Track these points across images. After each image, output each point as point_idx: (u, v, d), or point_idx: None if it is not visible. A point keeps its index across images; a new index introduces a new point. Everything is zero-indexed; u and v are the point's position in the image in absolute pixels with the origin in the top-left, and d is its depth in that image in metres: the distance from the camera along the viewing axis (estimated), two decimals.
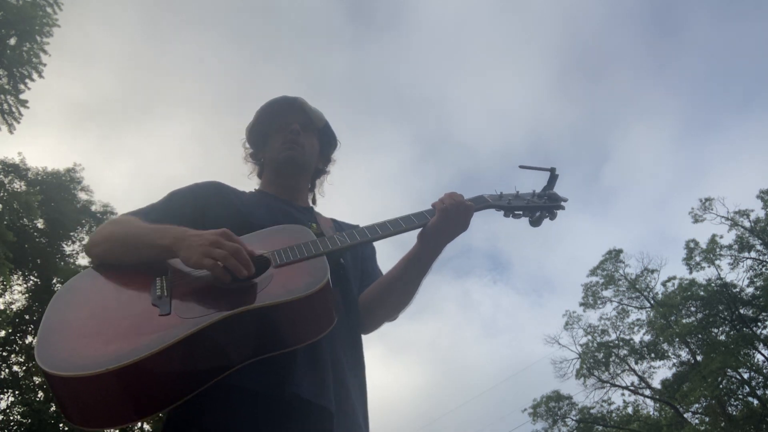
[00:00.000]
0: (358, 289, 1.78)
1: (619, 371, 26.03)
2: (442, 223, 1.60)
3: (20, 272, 17.88)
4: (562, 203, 1.77)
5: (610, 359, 25.85)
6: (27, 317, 18.02)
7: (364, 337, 1.75)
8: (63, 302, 1.35)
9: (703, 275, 24.48)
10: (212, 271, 1.29)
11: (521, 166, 1.77)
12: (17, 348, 17.90)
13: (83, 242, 20.22)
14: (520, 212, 1.76)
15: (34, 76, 9.70)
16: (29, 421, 16.04)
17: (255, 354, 1.28)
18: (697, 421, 23.70)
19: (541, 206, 1.76)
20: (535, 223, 1.77)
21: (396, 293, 1.74)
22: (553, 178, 1.77)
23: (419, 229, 1.65)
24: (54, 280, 18.83)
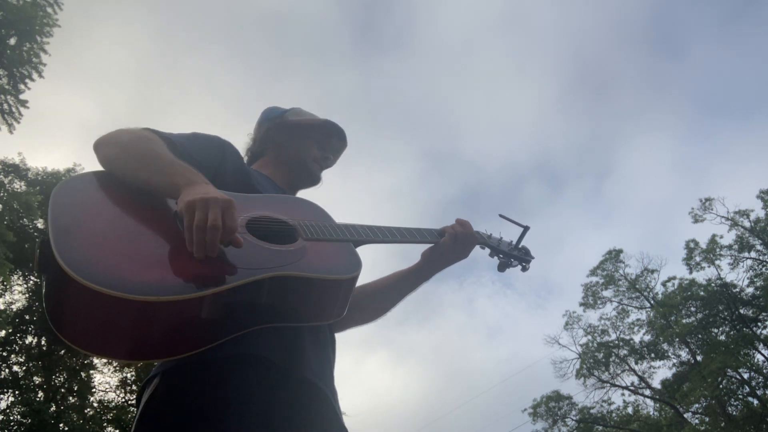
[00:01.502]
0: None
1: (619, 371, 26.07)
2: (450, 248, 1.74)
3: (20, 272, 17.87)
4: (531, 260, 1.98)
5: (610, 359, 25.86)
6: (27, 317, 18.01)
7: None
8: (73, 203, 1.22)
9: (703, 275, 24.53)
10: (186, 229, 1.16)
11: (501, 216, 1.98)
12: (17, 348, 17.90)
13: None
14: (503, 257, 1.95)
15: (34, 76, 9.69)
16: (29, 421, 16.03)
17: (275, 319, 1.26)
18: (697, 421, 23.72)
19: (518, 257, 1.96)
20: (502, 267, 1.95)
21: (380, 302, 1.80)
22: (525, 233, 1.97)
23: (423, 245, 1.77)
24: None
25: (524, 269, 1.96)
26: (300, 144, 1.84)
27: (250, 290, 1.18)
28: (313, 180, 1.87)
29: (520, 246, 1.97)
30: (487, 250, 1.93)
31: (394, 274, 1.81)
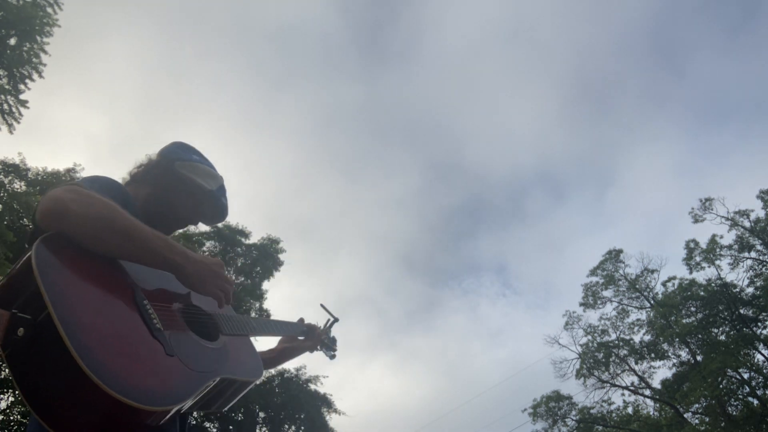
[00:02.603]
0: None
1: (619, 371, 26.06)
2: (308, 347, 2.31)
3: None
4: (336, 353, 2.48)
5: (610, 359, 25.85)
6: None
7: None
8: (59, 281, 1.17)
9: (703, 275, 24.53)
10: (218, 300, 1.40)
11: (321, 305, 2.44)
12: None
13: None
14: (322, 349, 2.43)
15: (34, 76, 9.70)
16: (29, 421, 16.03)
17: (193, 408, 1.37)
18: (697, 421, 23.70)
19: (330, 348, 2.46)
20: (314, 350, 2.39)
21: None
22: (332, 324, 2.46)
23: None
24: None
25: (332, 358, 2.44)
26: (177, 196, 1.76)
27: (201, 392, 1.32)
28: (176, 228, 1.84)
29: (331, 336, 2.46)
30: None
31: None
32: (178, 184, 1.75)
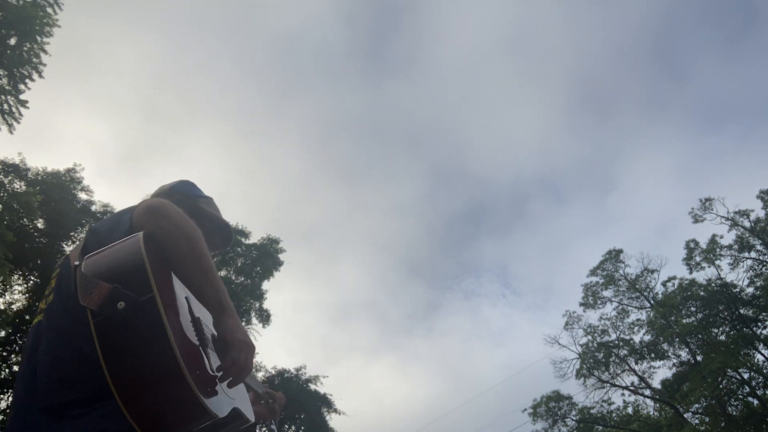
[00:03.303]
0: None
1: (619, 371, 26.06)
2: (265, 416, 2.04)
3: (20, 272, 17.88)
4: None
5: (610, 359, 25.85)
6: (27, 317, 18.01)
7: None
8: (161, 275, 1.25)
9: (703, 275, 24.54)
10: (229, 362, 1.34)
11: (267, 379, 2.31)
12: (17, 348, 17.90)
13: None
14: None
15: (34, 76, 9.70)
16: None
17: None
18: (697, 421, 23.70)
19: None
20: (262, 417, 2.19)
21: None
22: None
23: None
24: None
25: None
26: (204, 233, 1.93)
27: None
28: None
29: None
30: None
31: None
32: (201, 219, 1.87)
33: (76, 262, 1.33)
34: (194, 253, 1.38)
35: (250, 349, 1.36)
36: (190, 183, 2.03)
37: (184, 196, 1.93)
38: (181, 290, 1.38)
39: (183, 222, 1.40)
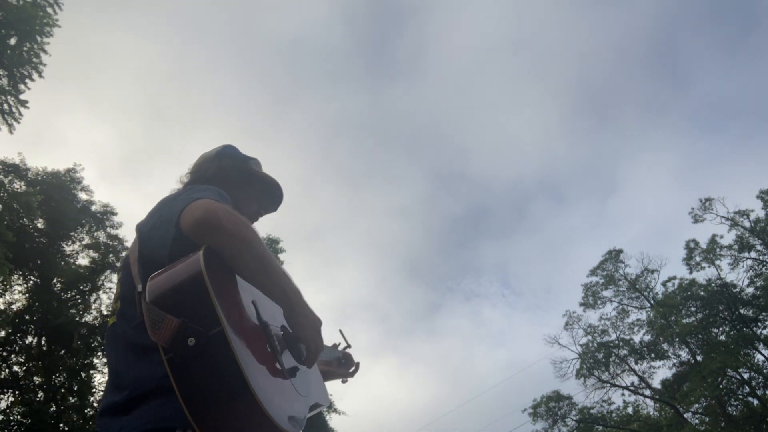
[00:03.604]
0: None
1: (619, 371, 26.07)
2: (344, 375, 2.22)
3: (20, 272, 17.88)
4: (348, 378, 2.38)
5: (610, 359, 25.86)
6: (27, 317, 18.02)
7: None
8: (225, 298, 1.25)
9: (703, 275, 24.55)
10: (309, 356, 1.43)
11: (340, 330, 2.34)
12: (17, 348, 17.89)
13: (83, 242, 20.22)
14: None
15: (34, 76, 9.70)
16: (29, 421, 16.03)
17: None
18: (697, 421, 23.71)
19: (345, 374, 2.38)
20: (346, 377, 2.33)
21: None
22: (346, 349, 2.36)
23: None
24: (54, 280, 18.83)
25: (344, 381, 2.33)
26: (247, 193, 1.92)
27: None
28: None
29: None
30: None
31: None
32: (254, 180, 1.93)
33: (139, 288, 1.37)
34: (255, 255, 1.36)
35: (317, 332, 1.43)
36: (232, 146, 2.00)
37: (233, 159, 1.91)
38: (247, 295, 1.39)
39: (239, 229, 1.36)
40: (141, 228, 1.52)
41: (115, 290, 1.62)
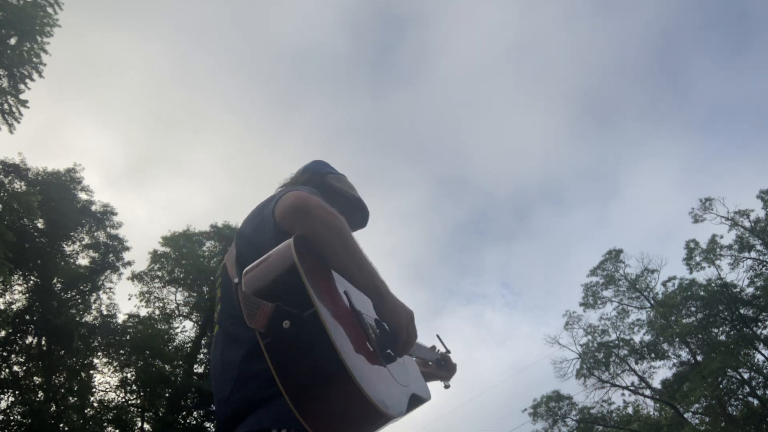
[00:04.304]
0: None
1: (619, 371, 26.05)
2: (444, 377, 2.19)
3: (20, 272, 17.87)
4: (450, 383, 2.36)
5: (610, 359, 25.85)
6: (27, 317, 18.01)
7: None
8: (318, 283, 1.27)
9: (703, 275, 24.51)
10: (400, 345, 1.40)
11: (437, 336, 2.30)
12: (17, 348, 17.89)
13: (83, 242, 20.21)
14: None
15: (35, 76, 9.70)
16: (29, 421, 16.03)
17: None
18: (697, 421, 23.71)
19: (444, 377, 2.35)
20: (446, 378, 2.30)
21: None
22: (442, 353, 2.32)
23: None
24: (54, 280, 18.82)
25: (447, 387, 2.30)
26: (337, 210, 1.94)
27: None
28: None
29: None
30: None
31: None
32: (332, 195, 1.89)
33: (236, 280, 1.39)
34: (344, 244, 1.37)
35: (410, 321, 1.41)
36: (322, 162, 2.02)
37: (313, 173, 1.94)
38: (339, 285, 1.41)
39: (328, 216, 1.38)
40: (243, 231, 1.59)
41: (216, 304, 1.68)
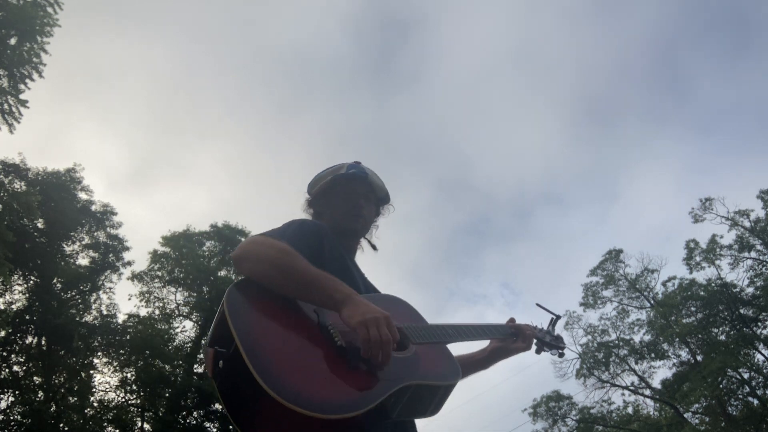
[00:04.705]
0: None
1: (619, 371, 26.04)
2: (520, 346, 2.21)
3: (20, 272, 17.87)
4: (564, 348, 2.46)
5: (610, 359, 25.84)
6: (27, 317, 18.01)
7: None
8: (245, 318, 1.34)
9: (703, 275, 24.48)
10: (362, 343, 1.39)
11: (537, 305, 2.39)
12: (17, 348, 17.89)
13: (83, 242, 20.21)
14: (547, 349, 2.38)
15: (35, 76, 9.69)
16: (29, 421, 16.03)
17: (398, 417, 1.49)
18: (697, 421, 23.70)
19: (555, 346, 2.44)
20: (539, 351, 2.37)
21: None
22: (555, 322, 2.42)
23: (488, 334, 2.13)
24: (54, 280, 18.82)
25: (561, 356, 2.39)
26: (330, 208, 2.02)
27: (390, 399, 1.41)
28: (355, 233, 2.02)
29: (555, 334, 2.41)
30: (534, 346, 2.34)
31: (460, 359, 2.02)
32: (321, 199, 2.05)
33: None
34: (282, 273, 1.46)
35: (378, 321, 1.40)
36: (320, 173, 2.10)
37: (306, 196, 2.11)
38: (309, 306, 1.48)
39: (262, 253, 1.50)
40: None
41: None
